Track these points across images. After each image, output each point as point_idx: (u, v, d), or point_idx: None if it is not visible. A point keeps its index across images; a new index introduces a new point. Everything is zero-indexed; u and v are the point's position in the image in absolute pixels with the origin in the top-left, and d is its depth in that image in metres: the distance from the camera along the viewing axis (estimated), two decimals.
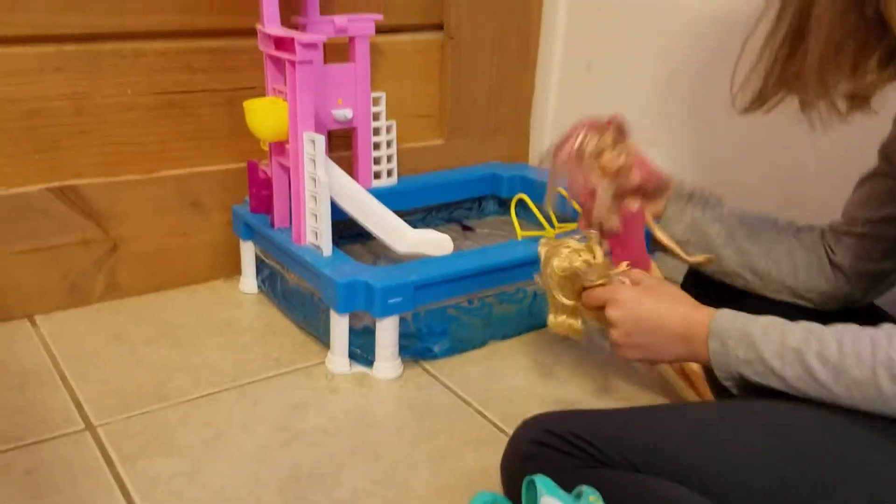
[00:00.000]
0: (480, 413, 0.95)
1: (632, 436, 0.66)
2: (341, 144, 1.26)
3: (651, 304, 0.77)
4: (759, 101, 0.75)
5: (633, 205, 0.90)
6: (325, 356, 1.04)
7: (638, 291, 0.78)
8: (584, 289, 0.82)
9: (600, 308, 0.80)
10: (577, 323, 0.86)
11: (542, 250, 0.85)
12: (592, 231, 0.86)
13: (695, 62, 1.21)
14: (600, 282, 0.81)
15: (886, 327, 0.62)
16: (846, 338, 0.63)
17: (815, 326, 0.66)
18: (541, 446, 0.68)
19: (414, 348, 1.04)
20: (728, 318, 0.71)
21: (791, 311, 0.78)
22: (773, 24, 0.71)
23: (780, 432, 0.64)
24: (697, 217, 0.90)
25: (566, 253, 0.82)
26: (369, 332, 1.01)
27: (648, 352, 0.78)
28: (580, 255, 0.82)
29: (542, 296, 1.12)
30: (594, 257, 0.82)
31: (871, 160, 0.82)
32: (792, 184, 1.12)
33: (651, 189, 0.90)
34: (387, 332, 0.99)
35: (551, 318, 0.87)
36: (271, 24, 1.07)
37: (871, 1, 0.63)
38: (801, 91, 0.70)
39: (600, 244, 0.84)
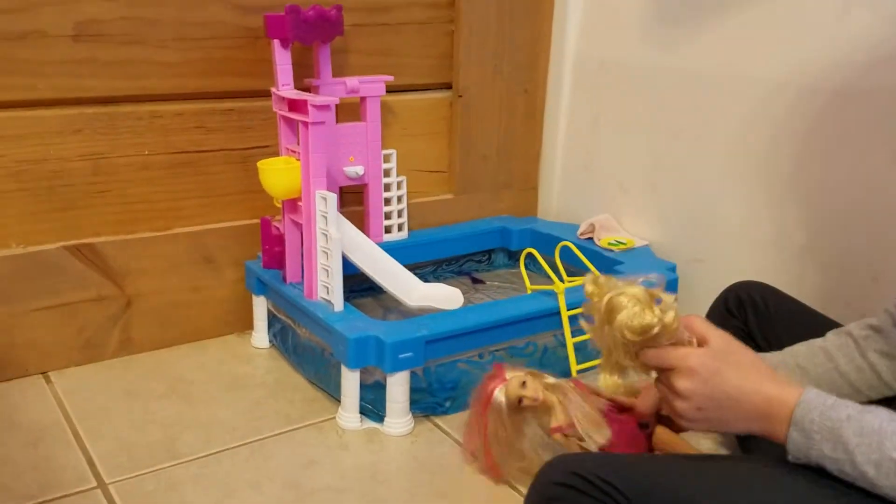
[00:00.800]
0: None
1: (659, 486, 0.64)
2: (353, 200, 1.29)
3: (729, 378, 0.67)
4: None
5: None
6: (335, 411, 1.04)
7: (713, 359, 0.68)
8: (644, 345, 0.70)
9: (663, 369, 0.70)
10: (636, 384, 0.75)
11: (597, 294, 0.70)
12: (654, 275, 0.73)
13: (696, 118, 1.23)
14: (669, 342, 0.69)
15: None
16: None
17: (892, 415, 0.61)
18: (566, 488, 0.66)
19: (425, 403, 1.04)
20: (815, 408, 0.64)
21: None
22: None
23: None
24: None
25: (634, 308, 0.68)
26: (380, 387, 1.01)
27: (716, 425, 0.71)
28: (653, 313, 0.68)
29: (554, 349, 1.13)
30: (665, 314, 0.68)
31: None
32: (799, 236, 1.13)
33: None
34: (397, 387, 1.00)
35: (607, 379, 0.73)
36: (285, 88, 1.10)
37: None
38: None
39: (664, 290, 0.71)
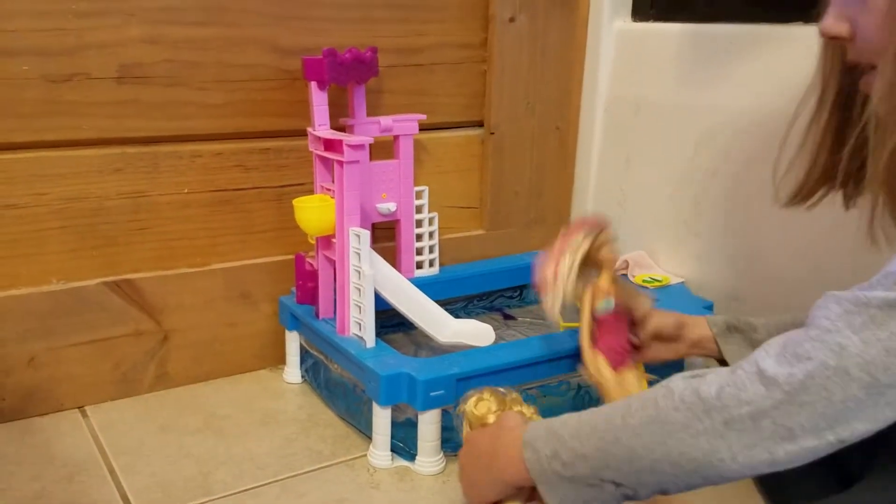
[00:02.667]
0: None
1: None
2: (385, 236, 1.30)
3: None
4: (801, 196, 0.75)
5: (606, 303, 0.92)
6: (366, 449, 1.04)
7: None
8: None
9: None
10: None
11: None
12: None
13: (733, 156, 1.23)
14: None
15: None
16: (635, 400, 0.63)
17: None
18: None
19: (456, 442, 1.03)
20: (540, 424, 0.70)
21: None
22: (814, 110, 0.69)
23: None
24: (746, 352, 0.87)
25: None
26: (411, 425, 1.01)
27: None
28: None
29: (587, 389, 1.11)
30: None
31: None
32: (840, 277, 1.11)
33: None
34: (429, 425, 0.99)
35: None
36: (321, 128, 1.12)
37: None
38: (860, 193, 0.69)
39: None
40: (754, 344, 0.87)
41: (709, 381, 0.59)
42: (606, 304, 0.93)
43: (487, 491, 0.75)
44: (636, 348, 0.96)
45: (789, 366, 0.56)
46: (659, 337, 0.95)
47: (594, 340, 0.94)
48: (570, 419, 0.68)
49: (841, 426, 0.54)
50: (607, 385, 0.91)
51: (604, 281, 0.94)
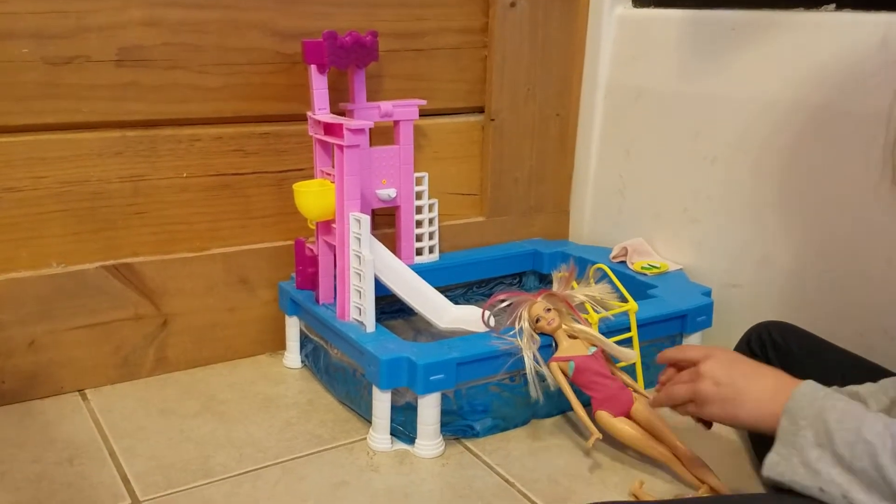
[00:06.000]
0: (524, 494, 0.93)
1: None
2: (385, 222, 1.30)
3: (744, 362, 0.76)
4: None
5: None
6: (366, 432, 1.04)
7: (730, 353, 0.80)
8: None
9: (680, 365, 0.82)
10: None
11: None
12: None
13: (733, 143, 1.23)
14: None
15: None
16: None
17: (893, 422, 0.62)
18: None
19: (455, 426, 1.04)
20: (806, 395, 0.67)
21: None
22: None
23: None
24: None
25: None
26: (411, 409, 1.01)
27: (729, 407, 0.73)
28: None
29: None
30: None
31: None
32: (838, 264, 1.11)
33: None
34: (429, 409, 1.00)
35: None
36: (321, 112, 1.12)
37: None
38: None
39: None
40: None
41: None
42: (570, 366, 1.00)
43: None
44: None
45: None
46: None
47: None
48: (836, 408, 0.65)
49: None
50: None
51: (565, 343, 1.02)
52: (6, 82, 1.02)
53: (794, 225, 1.16)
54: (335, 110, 1.15)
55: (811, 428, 0.65)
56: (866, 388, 0.79)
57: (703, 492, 0.91)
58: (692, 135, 1.29)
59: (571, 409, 1.01)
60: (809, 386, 0.68)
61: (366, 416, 1.06)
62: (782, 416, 0.67)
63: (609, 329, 1.08)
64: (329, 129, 1.09)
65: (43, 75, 1.04)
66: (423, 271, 1.22)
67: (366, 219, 1.04)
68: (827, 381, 0.89)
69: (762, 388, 0.71)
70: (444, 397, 1.01)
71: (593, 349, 1.01)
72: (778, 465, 0.66)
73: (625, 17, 1.39)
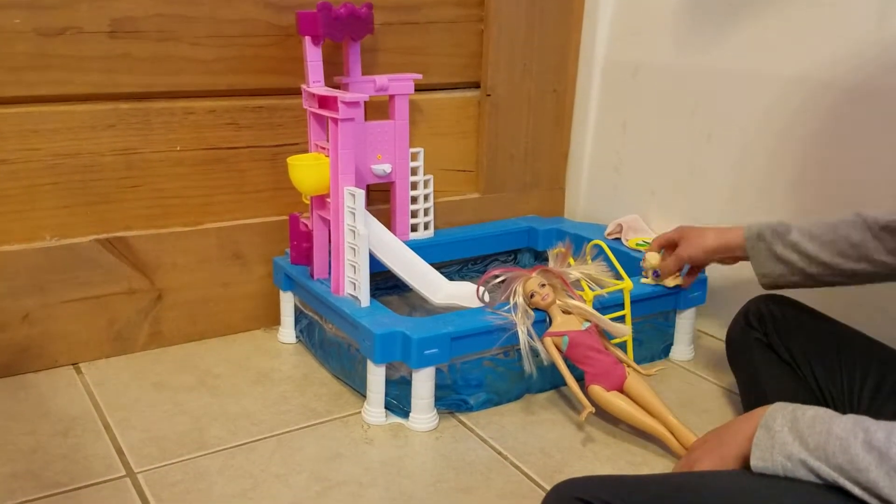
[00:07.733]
0: (516, 467, 0.94)
1: None
2: (380, 198, 1.29)
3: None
4: None
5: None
6: (361, 406, 1.05)
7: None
8: None
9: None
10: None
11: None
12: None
13: (731, 119, 1.22)
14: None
15: None
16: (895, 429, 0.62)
17: (863, 418, 0.65)
18: None
19: (449, 400, 1.04)
20: (780, 409, 0.70)
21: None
22: None
23: None
24: (777, 251, 0.93)
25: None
26: (405, 383, 1.02)
27: (716, 449, 0.77)
28: None
29: None
30: None
31: None
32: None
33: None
34: (423, 383, 1.00)
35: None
36: (315, 84, 1.11)
37: None
38: None
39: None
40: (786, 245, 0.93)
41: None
42: (564, 341, 1.01)
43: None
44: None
45: None
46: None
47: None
48: (807, 414, 0.68)
49: None
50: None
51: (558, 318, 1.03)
52: None
53: (789, 200, 1.16)
54: (330, 84, 1.15)
55: (787, 433, 0.68)
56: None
57: None
58: (689, 111, 1.28)
59: (565, 383, 1.02)
60: (779, 403, 0.72)
61: (360, 391, 1.06)
62: (758, 429, 0.70)
63: (603, 305, 1.08)
64: (323, 102, 1.09)
65: (35, 46, 1.03)
66: (418, 247, 1.22)
67: (360, 193, 1.04)
68: (824, 351, 0.90)
69: (739, 422, 0.75)
70: (438, 372, 1.01)
71: (587, 324, 1.01)
72: (762, 460, 0.69)
73: None
